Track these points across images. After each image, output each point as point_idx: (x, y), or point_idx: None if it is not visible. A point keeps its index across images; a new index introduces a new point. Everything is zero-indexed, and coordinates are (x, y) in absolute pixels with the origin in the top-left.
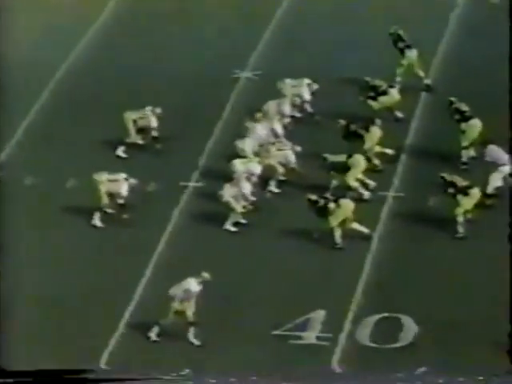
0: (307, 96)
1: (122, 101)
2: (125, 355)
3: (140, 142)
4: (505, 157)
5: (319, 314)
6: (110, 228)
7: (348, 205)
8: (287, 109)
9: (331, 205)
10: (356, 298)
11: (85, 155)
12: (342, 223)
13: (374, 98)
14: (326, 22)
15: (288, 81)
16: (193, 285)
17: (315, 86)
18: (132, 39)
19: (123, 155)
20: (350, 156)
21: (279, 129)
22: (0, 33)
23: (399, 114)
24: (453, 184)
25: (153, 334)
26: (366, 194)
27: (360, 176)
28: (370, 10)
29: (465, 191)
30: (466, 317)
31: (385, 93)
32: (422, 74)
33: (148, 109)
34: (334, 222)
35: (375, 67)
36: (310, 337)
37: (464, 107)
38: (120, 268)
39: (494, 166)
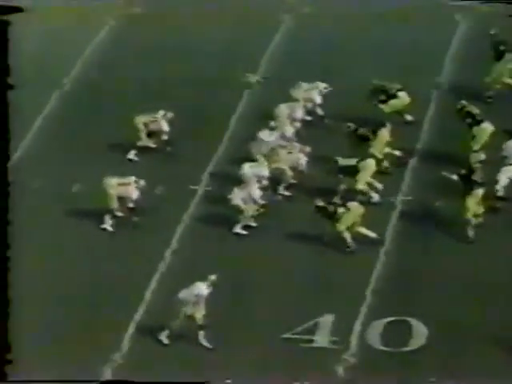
0: (319, 100)
1: (132, 104)
2: (135, 358)
3: (151, 145)
4: None
5: (329, 318)
6: (120, 231)
7: (357, 208)
8: (299, 113)
9: (340, 209)
10: (366, 302)
11: (94, 158)
12: (351, 227)
13: (385, 102)
14: (337, 25)
15: (303, 84)
16: (202, 288)
17: (327, 89)
18: (144, 42)
19: (134, 158)
20: (361, 159)
21: (290, 132)
22: (12, 33)
23: (409, 118)
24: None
25: (163, 337)
26: (375, 198)
27: (369, 179)
28: (380, 14)
29: (473, 185)
30: (476, 319)
31: (395, 96)
32: None
33: (160, 113)
34: (342, 225)
35: (385, 71)
36: (320, 340)
37: (475, 110)
38: (129, 271)
39: (505, 163)
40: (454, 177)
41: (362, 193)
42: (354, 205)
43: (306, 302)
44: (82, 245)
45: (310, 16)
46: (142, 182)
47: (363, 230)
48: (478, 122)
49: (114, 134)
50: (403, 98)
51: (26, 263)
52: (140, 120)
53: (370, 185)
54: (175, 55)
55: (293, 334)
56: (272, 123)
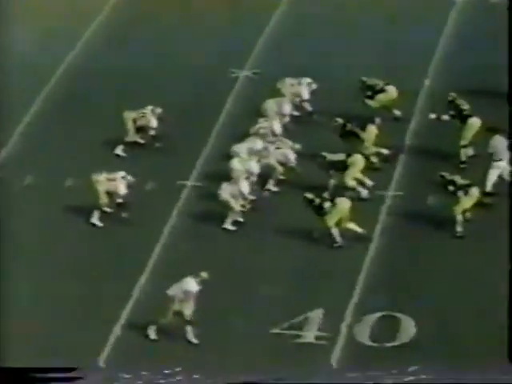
0: (306, 95)
1: (120, 101)
2: (123, 354)
3: (139, 140)
4: (505, 152)
5: (318, 313)
6: (109, 227)
7: (344, 204)
8: (287, 108)
9: (327, 204)
10: (355, 297)
11: (83, 154)
12: (339, 222)
13: (372, 97)
14: (326, 21)
15: (288, 80)
16: (192, 285)
17: (314, 86)
18: (131, 39)
19: (122, 154)
20: (349, 155)
21: (278, 128)
22: None
23: (397, 113)
24: (452, 182)
25: (151, 333)
26: (365, 193)
27: (358, 175)
28: (369, 10)
29: (465, 189)
30: (464, 315)
31: (382, 91)
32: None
33: (148, 108)
34: (330, 221)
35: (373, 67)
36: (309, 335)
37: (465, 105)
38: (118, 267)
39: (492, 159)
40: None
41: (351, 188)
42: (341, 200)
43: (296, 297)
44: (70, 241)
45: (300, 11)
46: (130, 178)
47: (351, 226)
48: (466, 117)
49: (102, 131)
50: (391, 91)
51: (14, 259)
52: (129, 116)
53: (359, 181)
54: (162, 51)
55: (281, 330)
56: (261, 120)
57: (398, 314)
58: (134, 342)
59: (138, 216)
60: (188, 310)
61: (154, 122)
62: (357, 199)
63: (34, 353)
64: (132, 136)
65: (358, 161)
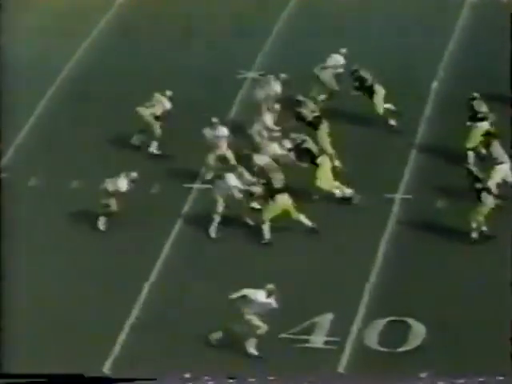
0: (279, 90)
1: (127, 101)
2: (129, 359)
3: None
4: (504, 155)
5: (326, 318)
6: (114, 230)
7: (283, 201)
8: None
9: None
10: (364, 301)
11: (89, 156)
12: (276, 218)
13: (359, 89)
14: (332, 22)
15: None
16: (270, 302)
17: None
18: (136, 40)
19: (157, 152)
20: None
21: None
22: (2, 34)
23: (392, 107)
24: (478, 179)
25: (214, 339)
26: (348, 192)
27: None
28: (376, 11)
29: (488, 190)
30: (474, 320)
31: (371, 87)
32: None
33: (157, 95)
34: (265, 215)
35: (385, 68)
36: (318, 340)
37: (483, 108)
38: (124, 271)
39: (495, 163)
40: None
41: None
42: (281, 197)
43: (304, 301)
44: (76, 244)
45: (307, 13)
46: (134, 174)
47: (301, 218)
48: (477, 120)
49: (108, 132)
50: (379, 91)
51: (19, 262)
52: (145, 112)
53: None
54: (169, 53)
55: (290, 334)
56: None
57: (408, 319)
58: (140, 347)
59: (143, 219)
60: (258, 322)
61: (167, 104)
62: (345, 201)
63: (37, 359)
64: (157, 129)
65: (325, 162)
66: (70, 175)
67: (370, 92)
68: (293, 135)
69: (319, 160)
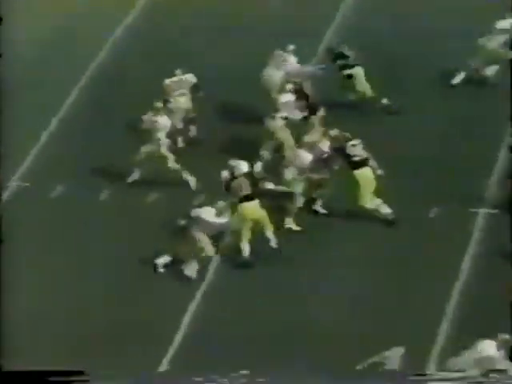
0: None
1: (148, 106)
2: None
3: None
4: None
5: (398, 351)
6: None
7: (248, 209)
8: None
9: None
10: (442, 332)
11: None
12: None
13: (344, 68)
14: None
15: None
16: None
17: None
18: (158, 40)
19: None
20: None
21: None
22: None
23: (385, 101)
24: None
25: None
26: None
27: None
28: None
29: None
30: None
31: (353, 67)
32: None
33: (178, 72)
34: (235, 224)
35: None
36: None
37: None
38: (168, 294)
39: None
40: None
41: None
42: (246, 205)
43: (372, 332)
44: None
45: None
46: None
47: (291, 224)
48: None
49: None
50: (359, 72)
51: (41, 272)
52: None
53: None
54: (190, 55)
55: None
56: None
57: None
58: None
59: None
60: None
61: (193, 78)
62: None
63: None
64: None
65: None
66: (96, 185)
67: None
68: (333, 132)
69: (362, 171)
